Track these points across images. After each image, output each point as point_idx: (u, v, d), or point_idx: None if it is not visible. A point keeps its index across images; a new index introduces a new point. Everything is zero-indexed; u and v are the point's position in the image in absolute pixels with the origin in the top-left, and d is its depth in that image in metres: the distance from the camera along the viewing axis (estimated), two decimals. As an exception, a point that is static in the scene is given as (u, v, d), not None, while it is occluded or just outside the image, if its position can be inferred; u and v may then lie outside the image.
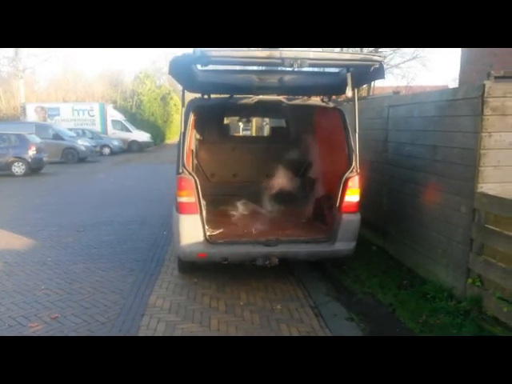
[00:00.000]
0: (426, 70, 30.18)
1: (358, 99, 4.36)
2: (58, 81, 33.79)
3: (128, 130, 26.55)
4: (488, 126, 3.48)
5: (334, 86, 4.47)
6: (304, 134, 5.77)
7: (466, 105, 3.71)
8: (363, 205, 4.36)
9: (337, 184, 4.25)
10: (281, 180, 5.21)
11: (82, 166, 17.51)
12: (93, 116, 26.75)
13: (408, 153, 4.79)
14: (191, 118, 4.28)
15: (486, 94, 3.46)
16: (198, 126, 5.29)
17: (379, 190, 5.47)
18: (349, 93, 3.77)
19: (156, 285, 4.56)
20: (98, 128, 26.06)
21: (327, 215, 4.57)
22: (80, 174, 14.84)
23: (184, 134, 4.11)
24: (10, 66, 28.06)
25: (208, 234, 4.19)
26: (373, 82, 13.57)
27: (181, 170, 4.08)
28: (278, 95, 4.65)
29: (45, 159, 15.20)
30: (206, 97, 4.74)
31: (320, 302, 4.15)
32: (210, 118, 4.80)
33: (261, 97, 4.56)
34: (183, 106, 4.25)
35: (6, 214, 8.04)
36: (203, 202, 4.17)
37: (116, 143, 24.24)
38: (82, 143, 19.89)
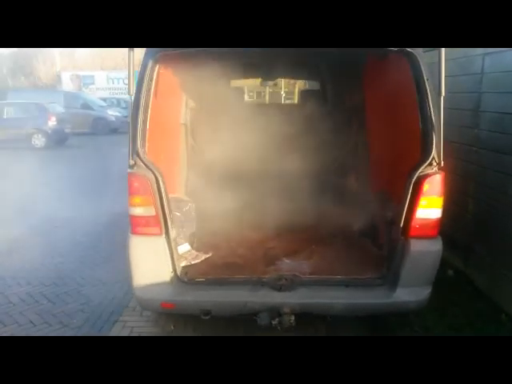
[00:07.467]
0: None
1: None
2: (96, 48, 33.07)
3: (164, 100, 25.30)
4: None
5: None
6: (349, 98, 3.93)
7: None
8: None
9: (402, 183, 2.45)
10: (309, 172, 3.46)
11: (111, 138, 16.25)
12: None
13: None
14: (156, 70, 2.54)
15: None
16: (188, 88, 3.63)
17: (462, 188, 3.61)
18: None
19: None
20: (134, 98, 25.04)
21: (382, 234, 2.80)
22: (106, 147, 13.53)
23: (138, 99, 2.41)
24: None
25: (182, 264, 2.57)
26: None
27: (132, 162, 2.42)
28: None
29: (67, 131, 14.18)
30: None
31: None
32: (202, 75, 3.05)
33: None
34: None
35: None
36: (176, 215, 2.54)
37: (150, 113, 23.00)
38: (112, 113, 18.85)
